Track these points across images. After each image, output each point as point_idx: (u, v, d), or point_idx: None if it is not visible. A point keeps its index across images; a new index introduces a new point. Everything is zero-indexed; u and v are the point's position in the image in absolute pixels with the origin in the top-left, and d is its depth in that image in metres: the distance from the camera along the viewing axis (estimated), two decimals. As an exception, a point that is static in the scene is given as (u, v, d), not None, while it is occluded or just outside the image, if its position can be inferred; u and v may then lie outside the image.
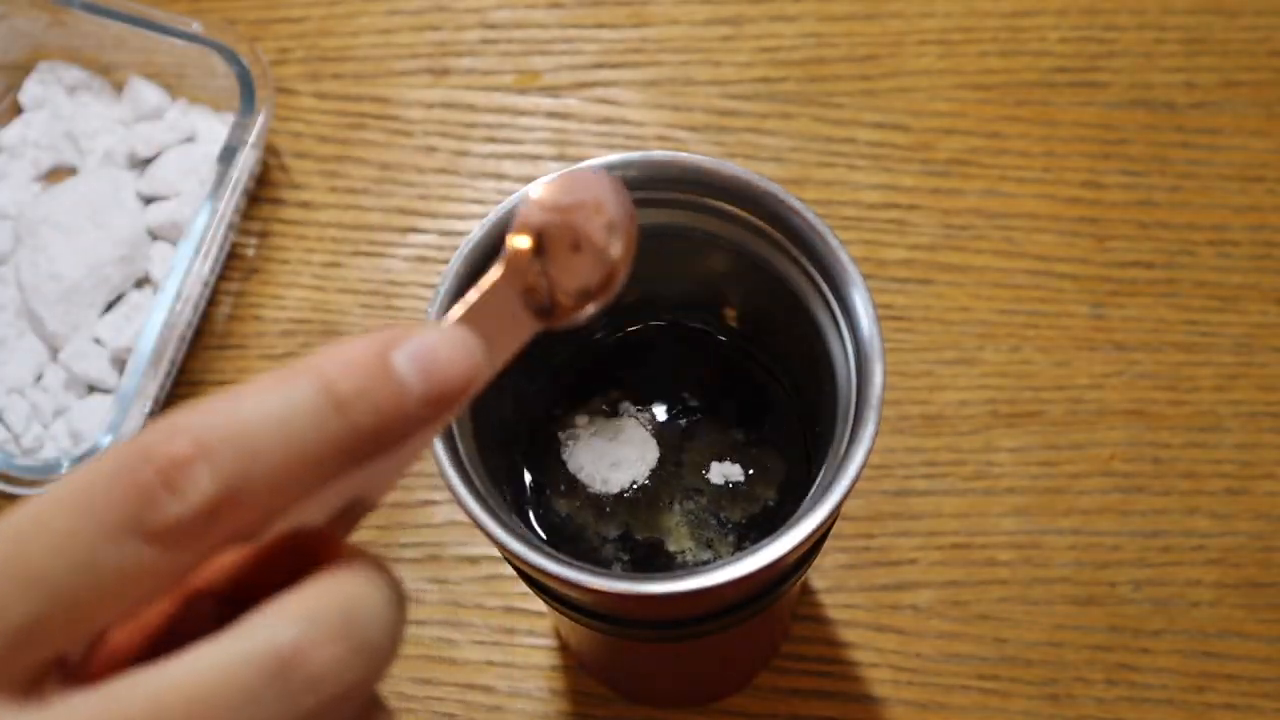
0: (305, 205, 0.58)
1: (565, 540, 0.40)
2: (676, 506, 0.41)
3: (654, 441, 0.41)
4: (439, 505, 0.53)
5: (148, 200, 0.56)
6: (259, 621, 0.20)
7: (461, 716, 0.51)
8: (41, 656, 0.20)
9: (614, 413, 0.42)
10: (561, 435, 0.42)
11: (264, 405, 0.21)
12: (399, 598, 0.22)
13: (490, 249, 0.37)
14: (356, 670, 0.21)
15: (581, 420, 0.42)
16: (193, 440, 0.20)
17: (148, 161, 0.56)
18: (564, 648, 0.51)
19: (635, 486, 0.41)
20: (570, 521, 0.41)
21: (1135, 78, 0.59)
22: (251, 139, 0.54)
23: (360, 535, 0.53)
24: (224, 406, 0.21)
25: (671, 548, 0.40)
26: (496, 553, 0.51)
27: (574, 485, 0.41)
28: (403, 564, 0.52)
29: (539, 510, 0.41)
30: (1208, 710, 0.50)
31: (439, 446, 0.34)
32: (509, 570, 0.51)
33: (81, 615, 0.20)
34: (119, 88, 0.58)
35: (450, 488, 0.34)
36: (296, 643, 0.20)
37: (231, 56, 0.55)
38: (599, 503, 0.41)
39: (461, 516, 0.53)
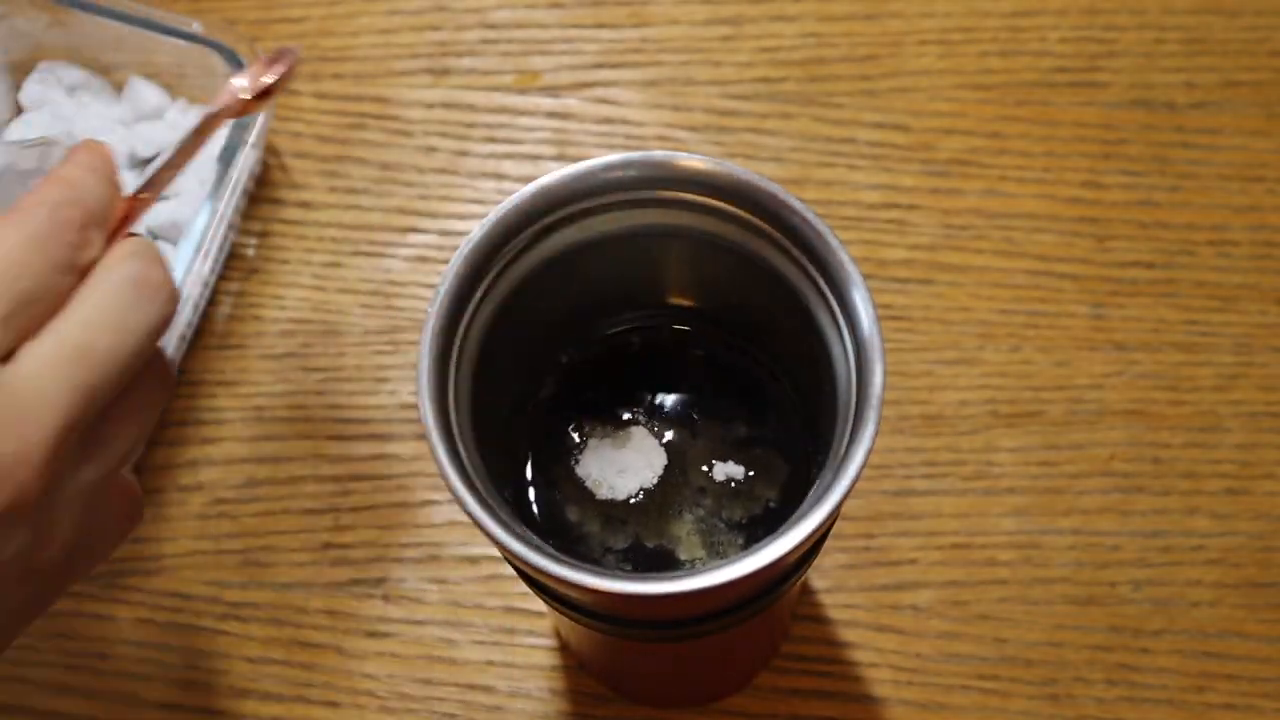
0: (305, 205, 0.58)
1: (570, 544, 0.40)
2: (685, 513, 0.41)
3: (661, 448, 0.41)
4: (439, 505, 0.53)
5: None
6: (112, 265, 0.35)
7: (462, 716, 0.51)
8: (21, 337, 0.33)
9: (619, 417, 0.42)
10: (568, 441, 0.42)
11: (89, 183, 0.36)
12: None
13: (490, 249, 0.37)
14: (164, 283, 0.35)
15: (588, 426, 0.42)
16: (82, 212, 0.35)
17: (148, 161, 0.56)
18: (564, 648, 0.51)
19: (642, 493, 0.41)
20: (577, 528, 0.41)
21: (1135, 78, 0.59)
22: (251, 139, 0.54)
23: (361, 536, 0.53)
24: (65, 183, 0.35)
25: (683, 555, 0.40)
26: (496, 553, 0.51)
27: (582, 492, 0.41)
28: (403, 564, 0.52)
29: (545, 514, 0.41)
30: (1208, 710, 0.50)
31: (439, 447, 0.34)
32: (509, 570, 0.51)
33: (46, 305, 0.33)
34: (119, 88, 0.58)
35: (450, 488, 0.34)
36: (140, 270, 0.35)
37: (231, 56, 0.55)
38: (607, 509, 0.41)
39: (461, 516, 0.53)
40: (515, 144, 0.59)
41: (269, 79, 0.39)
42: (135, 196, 0.37)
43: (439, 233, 0.58)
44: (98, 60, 0.58)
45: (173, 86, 0.58)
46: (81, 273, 0.34)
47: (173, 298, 0.36)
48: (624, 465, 0.41)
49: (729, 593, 0.34)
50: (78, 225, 0.34)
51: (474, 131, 0.59)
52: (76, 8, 0.56)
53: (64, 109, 0.57)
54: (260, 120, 0.54)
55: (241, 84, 0.39)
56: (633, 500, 0.41)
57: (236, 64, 0.55)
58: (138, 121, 0.57)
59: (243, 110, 0.39)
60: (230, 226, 0.56)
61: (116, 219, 0.36)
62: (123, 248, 0.35)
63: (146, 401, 0.36)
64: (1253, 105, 0.59)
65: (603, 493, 0.41)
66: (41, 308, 0.33)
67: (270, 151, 0.59)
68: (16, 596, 0.35)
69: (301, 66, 0.60)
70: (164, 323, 0.35)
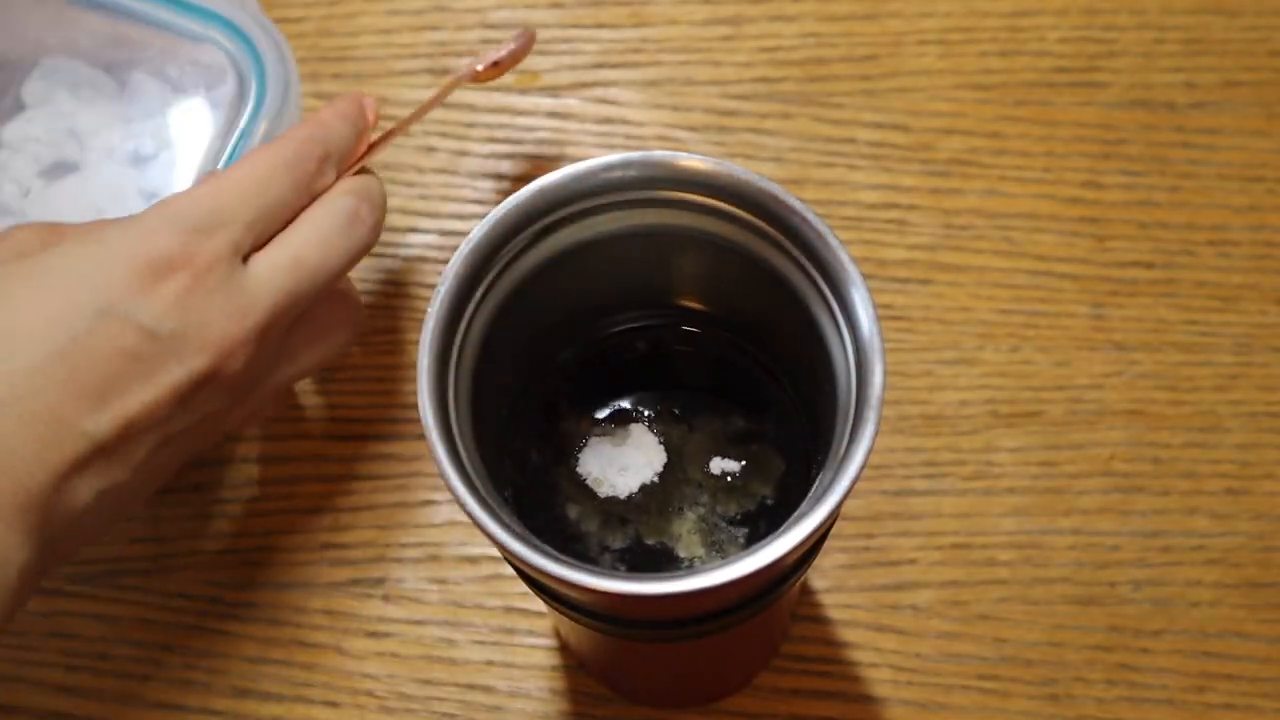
0: (305, 205, 0.58)
1: (570, 543, 0.40)
2: (686, 511, 0.41)
3: (661, 446, 0.41)
4: (439, 505, 0.53)
5: (150, 197, 0.56)
6: (334, 197, 0.44)
7: (462, 717, 0.51)
8: (261, 240, 0.43)
9: (618, 416, 0.42)
10: (568, 440, 0.42)
11: (337, 125, 0.46)
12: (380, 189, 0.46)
13: (490, 249, 0.37)
14: (377, 214, 0.45)
15: (587, 425, 0.42)
16: (324, 147, 0.44)
17: (150, 159, 0.56)
18: (564, 648, 0.51)
19: (643, 490, 0.41)
20: (576, 526, 0.41)
21: (1135, 78, 0.59)
22: (254, 141, 0.54)
23: (361, 536, 0.53)
24: (318, 123, 0.46)
25: (682, 553, 0.40)
26: (496, 553, 0.51)
27: (583, 490, 0.41)
28: (403, 564, 0.52)
29: (545, 513, 0.41)
30: (1208, 710, 0.50)
31: (439, 447, 0.34)
32: (509, 570, 0.51)
33: (282, 217, 0.43)
34: (122, 85, 0.58)
35: (450, 488, 0.34)
36: (355, 205, 0.44)
37: (234, 53, 0.55)
38: (608, 507, 0.41)
39: (461, 516, 0.53)
40: (515, 144, 0.59)
41: (499, 55, 0.49)
42: (373, 144, 0.47)
43: (439, 233, 0.58)
44: (101, 57, 0.58)
45: (176, 84, 0.58)
46: (315, 195, 0.44)
47: (375, 229, 0.45)
48: (625, 463, 0.41)
49: (729, 593, 0.34)
50: (318, 157, 0.44)
51: (474, 131, 0.59)
52: (80, 4, 0.56)
53: (66, 106, 0.57)
54: (261, 125, 0.54)
55: (477, 60, 0.50)
56: (633, 498, 0.41)
57: (240, 60, 0.54)
58: (140, 119, 0.57)
59: (477, 79, 0.49)
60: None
61: (354, 157, 0.46)
62: (347, 184, 0.45)
63: (336, 322, 0.46)
64: (1253, 105, 0.59)
65: (604, 491, 0.41)
66: (279, 218, 0.43)
67: (270, 151, 0.59)
68: (198, 446, 0.43)
69: (301, 67, 0.60)
70: (363, 249, 0.44)
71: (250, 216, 0.42)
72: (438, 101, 0.49)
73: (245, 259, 0.42)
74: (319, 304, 0.45)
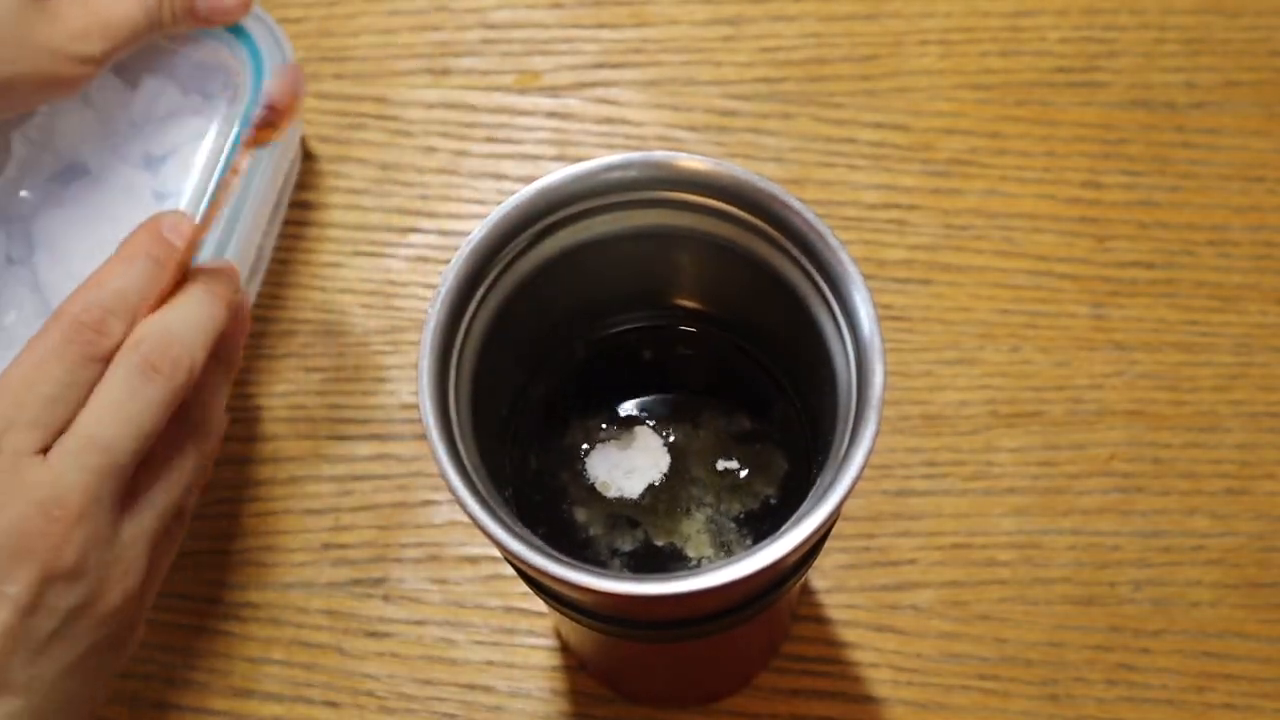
0: (306, 205, 0.58)
1: (576, 545, 0.40)
2: (694, 511, 0.41)
3: (665, 447, 0.41)
4: (439, 505, 0.53)
5: (163, 199, 0.56)
6: (120, 358, 0.42)
7: (462, 716, 0.51)
8: (51, 433, 0.40)
9: (621, 417, 0.42)
10: (572, 442, 0.42)
11: (119, 275, 0.42)
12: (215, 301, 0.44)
13: (491, 249, 0.37)
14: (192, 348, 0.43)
15: (591, 426, 0.42)
16: (100, 310, 0.42)
17: (161, 160, 0.56)
18: (564, 648, 0.51)
19: (650, 492, 0.41)
20: (584, 529, 0.41)
21: (1135, 78, 0.59)
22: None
23: (362, 536, 0.53)
24: (95, 284, 0.42)
25: (691, 553, 0.40)
26: (497, 553, 0.51)
27: (590, 493, 0.41)
28: (403, 564, 0.52)
29: (549, 514, 0.41)
30: (1208, 710, 0.50)
31: (439, 447, 0.34)
32: (509, 570, 0.51)
33: (69, 399, 0.41)
34: (133, 88, 0.58)
35: (450, 488, 0.34)
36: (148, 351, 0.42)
37: (244, 53, 0.55)
38: (614, 509, 0.41)
39: (461, 516, 0.53)
40: (515, 144, 0.59)
41: (264, 110, 0.43)
42: (187, 242, 0.43)
43: (439, 233, 0.58)
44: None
45: (184, 85, 0.58)
46: (106, 360, 0.41)
47: (174, 370, 0.42)
48: (631, 466, 0.41)
49: (729, 593, 0.34)
50: (93, 325, 0.41)
51: (474, 132, 0.59)
52: None
53: (78, 109, 0.57)
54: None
55: (247, 129, 0.44)
56: (641, 500, 0.41)
57: (251, 61, 0.54)
58: (151, 121, 0.57)
59: (258, 142, 0.44)
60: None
61: (159, 289, 0.43)
62: (135, 334, 0.42)
63: (180, 455, 0.43)
64: (1253, 105, 0.59)
65: (611, 493, 0.41)
66: (66, 402, 0.41)
67: (270, 151, 0.59)
68: (90, 640, 0.41)
69: (303, 77, 0.60)
70: (169, 396, 0.42)
71: (29, 417, 0.40)
72: (228, 187, 0.45)
73: (45, 452, 0.40)
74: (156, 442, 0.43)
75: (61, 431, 0.41)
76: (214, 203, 0.44)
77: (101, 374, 0.41)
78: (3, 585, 0.39)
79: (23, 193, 0.56)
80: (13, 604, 0.39)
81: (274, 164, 0.54)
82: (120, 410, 0.41)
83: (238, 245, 0.51)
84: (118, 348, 0.42)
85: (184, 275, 0.43)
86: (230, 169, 0.44)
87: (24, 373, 0.41)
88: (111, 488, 0.41)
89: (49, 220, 0.54)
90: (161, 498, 0.43)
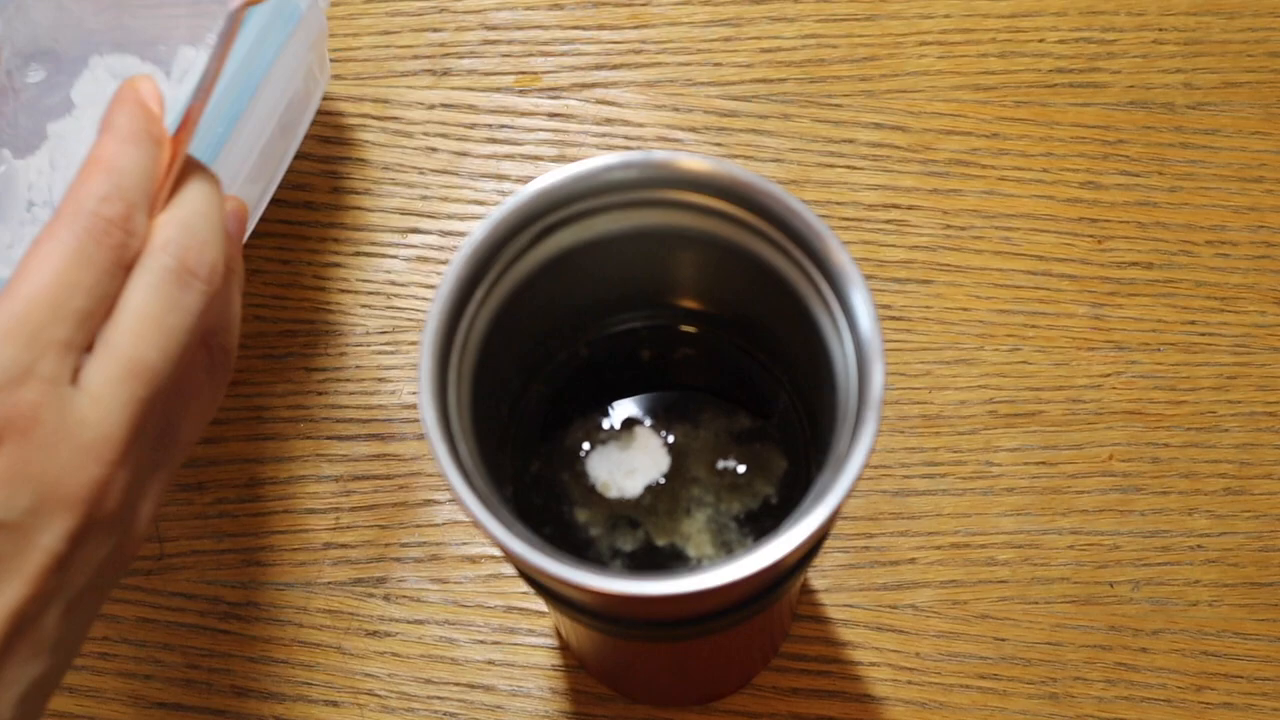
0: (306, 205, 0.58)
1: (578, 545, 0.40)
2: (694, 511, 0.41)
3: (665, 447, 0.41)
4: (440, 505, 0.53)
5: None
6: (150, 264, 0.35)
7: (462, 716, 0.51)
8: (83, 355, 0.34)
9: (622, 418, 0.42)
10: (572, 442, 0.42)
11: (128, 158, 0.35)
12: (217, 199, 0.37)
13: (491, 249, 0.37)
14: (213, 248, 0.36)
15: (591, 427, 0.42)
16: (124, 203, 0.35)
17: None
18: (565, 647, 0.51)
19: (650, 492, 0.41)
20: (587, 530, 0.41)
21: (1135, 78, 0.59)
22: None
23: (362, 535, 0.53)
24: (105, 169, 0.35)
25: (692, 553, 0.40)
26: (497, 553, 0.51)
27: (590, 493, 0.41)
28: (404, 564, 0.52)
29: (550, 515, 0.41)
30: (1207, 710, 0.50)
31: (439, 447, 0.34)
32: (510, 570, 0.51)
33: (99, 313, 0.34)
34: (167, 72, 0.57)
35: (450, 487, 0.34)
36: (179, 258, 0.35)
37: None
38: (615, 509, 0.41)
39: (462, 516, 0.53)
40: (516, 145, 0.59)
41: None
42: (177, 137, 0.36)
43: (440, 233, 0.58)
44: (149, 53, 0.57)
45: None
46: (129, 266, 0.35)
47: (212, 275, 0.36)
48: (631, 466, 0.41)
49: (729, 593, 0.34)
50: (120, 221, 0.34)
51: (474, 132, 0.60)
52: None
53: None
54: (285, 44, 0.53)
55: None
56: (641, 500, 0.41)
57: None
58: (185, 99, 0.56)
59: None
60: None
61: (161, 175, 0.36)
62: (160, 233, 0.35)
63: (204, 389, 0.38)
64: (1252, 105, 0.59)
65: (612, 493, 0.41)
66: (96, 316, 0.34)
67: (271, 152, 0.59)
68: (112, 586, 0.37)
69: None
70: (205, 307, 0.36)
71: (63, 336, 0.33)
72: (230, 39, 0.37)
73: (75, 376, 0.34)
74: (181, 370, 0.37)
75: (90, 347, 0.34)
76: (216, 60, 0.37)
77: (124, 284, 0.35)
78: (39, 537, 0.33)
79: (59, 187, 0.55)
80: (49, 557, 0.34)
81: (293, 56, 0.51)
82: (160, 325, 0.34)
83: (245, 144, 0.48)
84: (139, 253, 0.35)
85: (177, 159, 0.36)
86: (233, 20, 0.37)
87: (47, 281, 0.33)
88: (154, 420, 0.35)
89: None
90: (183, 436, 0.38)
